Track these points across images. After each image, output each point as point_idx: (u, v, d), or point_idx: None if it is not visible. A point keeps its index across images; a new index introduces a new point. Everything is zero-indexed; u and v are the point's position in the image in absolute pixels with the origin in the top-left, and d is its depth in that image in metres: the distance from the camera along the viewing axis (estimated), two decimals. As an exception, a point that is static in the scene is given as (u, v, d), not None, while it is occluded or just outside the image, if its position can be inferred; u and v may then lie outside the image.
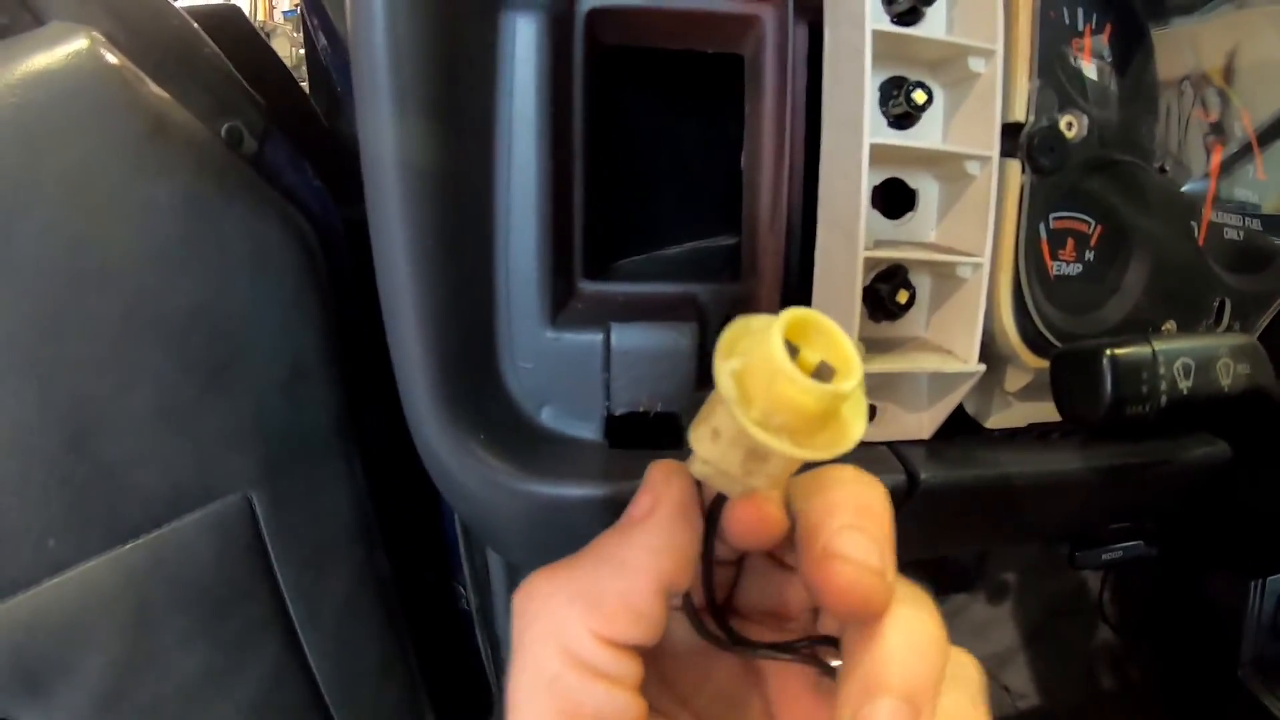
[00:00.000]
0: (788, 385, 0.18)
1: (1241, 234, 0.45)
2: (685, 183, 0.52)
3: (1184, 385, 0.34)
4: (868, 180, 0.34)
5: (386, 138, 0.32)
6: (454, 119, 0.34)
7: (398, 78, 0.32)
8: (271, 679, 0.51)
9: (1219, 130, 0.47)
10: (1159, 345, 0.34)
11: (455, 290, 0.36)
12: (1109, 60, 0.41)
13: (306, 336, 0.49)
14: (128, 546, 0.45)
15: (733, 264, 0.45)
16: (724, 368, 0.19)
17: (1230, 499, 0.48)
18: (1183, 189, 0.43)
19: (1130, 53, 0.42)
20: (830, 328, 0.20)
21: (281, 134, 0.48)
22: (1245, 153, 0.46)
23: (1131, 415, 0.33)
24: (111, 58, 0.42)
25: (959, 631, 0.95)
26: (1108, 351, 0.32)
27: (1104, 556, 0.56)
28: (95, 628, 0.44)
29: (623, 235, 0.49)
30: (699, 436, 0.21)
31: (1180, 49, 0.45)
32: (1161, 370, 0.33)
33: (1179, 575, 0.80)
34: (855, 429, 0.20)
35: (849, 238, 0.35)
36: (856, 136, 0.34)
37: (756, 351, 0.19)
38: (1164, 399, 0.33)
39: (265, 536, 0.49)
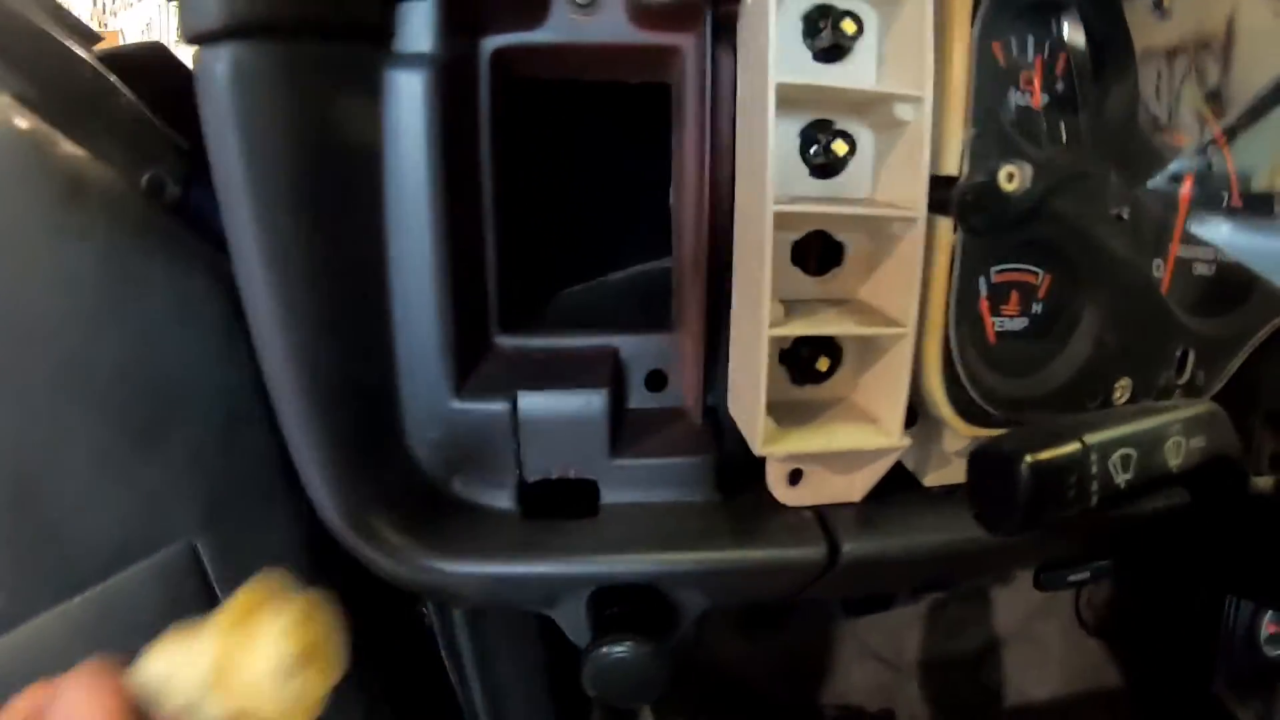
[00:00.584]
0: None
1: (1213, 268, 0.41)
2: (632, 203, 0.49)
3: (1121, 480, 0.31)
4: (773, 248, 0.32)
5: (249, 238, 0.31)
6: (329, 197, 0.33)
7: (255, 176, 0.30)
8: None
9: (1215, 99, 0.43)
10: (1092, 439, 0.30)
11: (345, 370, 0.35)
12: (1065, 91, 0.37)
13: (241, 383, 0.48)
14: (76, 600, 0.45)
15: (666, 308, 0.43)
16: None
17: (1194, 533, 0.45)
18: (1150, 221, 0.39)
19: (1096, 76, 0.38)
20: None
21: (207, 176, 0.47)
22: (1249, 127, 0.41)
23: (1052, 520, 0.30)
24: (22, 121, 0.41)
25: (936, 631, 0.95)
26: (1027, 457, 0.29)
27: (1070, 578, 0.53)
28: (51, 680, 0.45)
29: (564, 262, 0.47)
30: None
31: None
32: (1094, 469, 0.30)
33: (1156, 584, 0.77)
34: None
35: (756, 308, 0.33)
36: (762, 202, 0.32)
37: None
38: (1095, 499, 0.30)
39: (213, 581, 0.49)
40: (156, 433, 0.46)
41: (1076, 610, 0.89)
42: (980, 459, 0.31)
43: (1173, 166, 0.41)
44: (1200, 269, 0.41)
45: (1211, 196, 0.42)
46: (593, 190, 0.48)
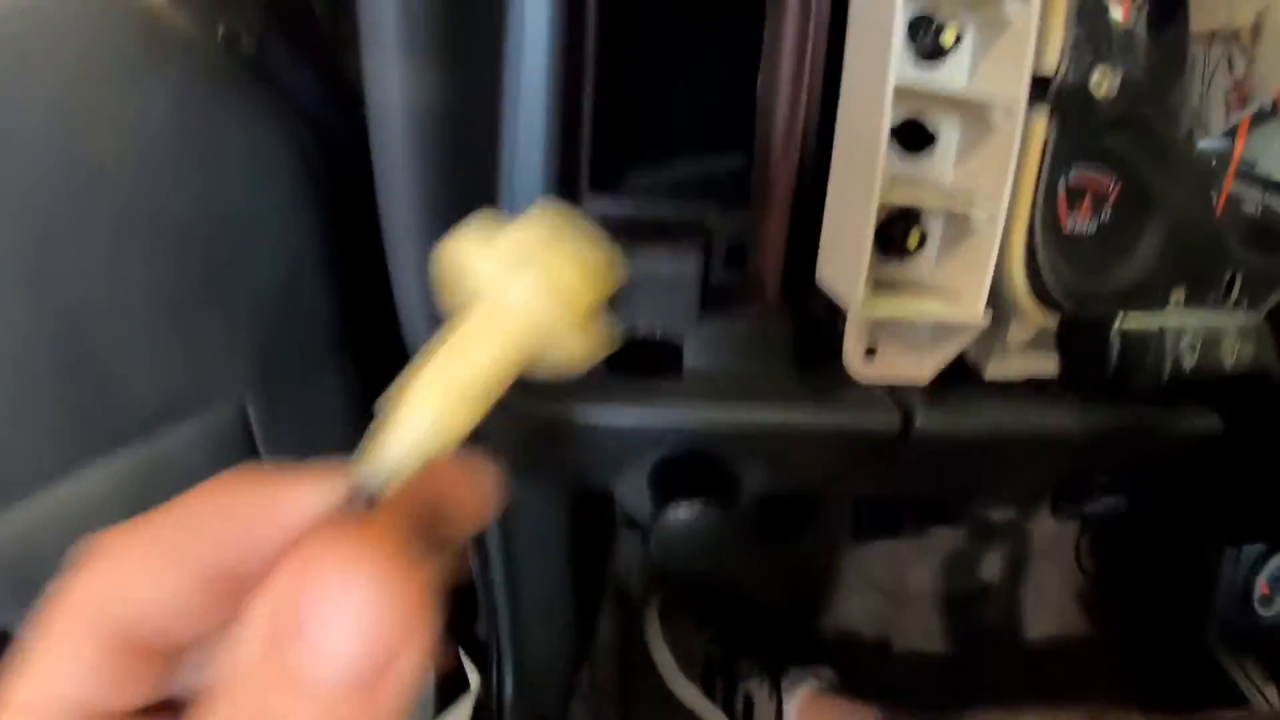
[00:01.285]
0: None
1: (1260, 209, 0.44)
2: (706, 94, 0.50)
3: (1188, 362, 0.34)
4: (889, 123, 0.33)
5: (393, 84, 0.31)
6: (462, 52, 0.33)
7: (405, 25, 0.30)
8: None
9: (1241, 91, 0.46)
10: (1168, 321, 0.33)
11: (458, 208, 0.35)
12: (1145, 11, 0.39)
13: (303, 241, 0.48)
14: (122, 453, 0.45)
15: (746, 183, 0.44)
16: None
17: (1215, 467, 0.48)
18: (1205, 156, 0.42)
19: (1166, 6, 0.40)
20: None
21: (281, 35, 0.47)
22: (1271, 120, 0.44)
23: (1134, 387, 0.33)
24: None
25: (937, 567, 0.98)
26: (1118, 324, 0.32)
27: (1086, 508, 0.56)
28: (92, 536, 0.45)
29: (638, 145, 0.48)
30: None
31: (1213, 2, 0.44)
32: (1168, 346, 0.33)
33: (1157, 533, 0.81)
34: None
35: (864, 181, 0.34)
36: (880, 77, 0.33)
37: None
38: (1167, 374, 0.33)
39: (259, 444, 0.49)
40: (216, 286, 0.46)
41: (1077, 557, 0.93)
42: (1073, 324, 0.34)
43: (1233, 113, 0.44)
44: (1249, 208, 0.44)
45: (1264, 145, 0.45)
46: (672, 75, 0.49)
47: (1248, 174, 0.44)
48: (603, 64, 0.40)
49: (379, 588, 0.14)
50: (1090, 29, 0.36)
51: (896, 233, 0.37)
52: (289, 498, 0.16)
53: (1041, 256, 0.37)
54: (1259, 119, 0.46)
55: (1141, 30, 0.39)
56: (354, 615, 0.14)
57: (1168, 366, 0.33)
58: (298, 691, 0.14)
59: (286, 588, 0.14)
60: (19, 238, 0.40)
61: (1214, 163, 0.43)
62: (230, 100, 0.45)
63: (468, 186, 0.36)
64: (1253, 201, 0.44)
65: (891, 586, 0.98)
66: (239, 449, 0.48)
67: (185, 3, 0.43)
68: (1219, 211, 0.43)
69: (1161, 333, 0.33)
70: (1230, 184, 0.43)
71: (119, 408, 0.44)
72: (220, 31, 0.45)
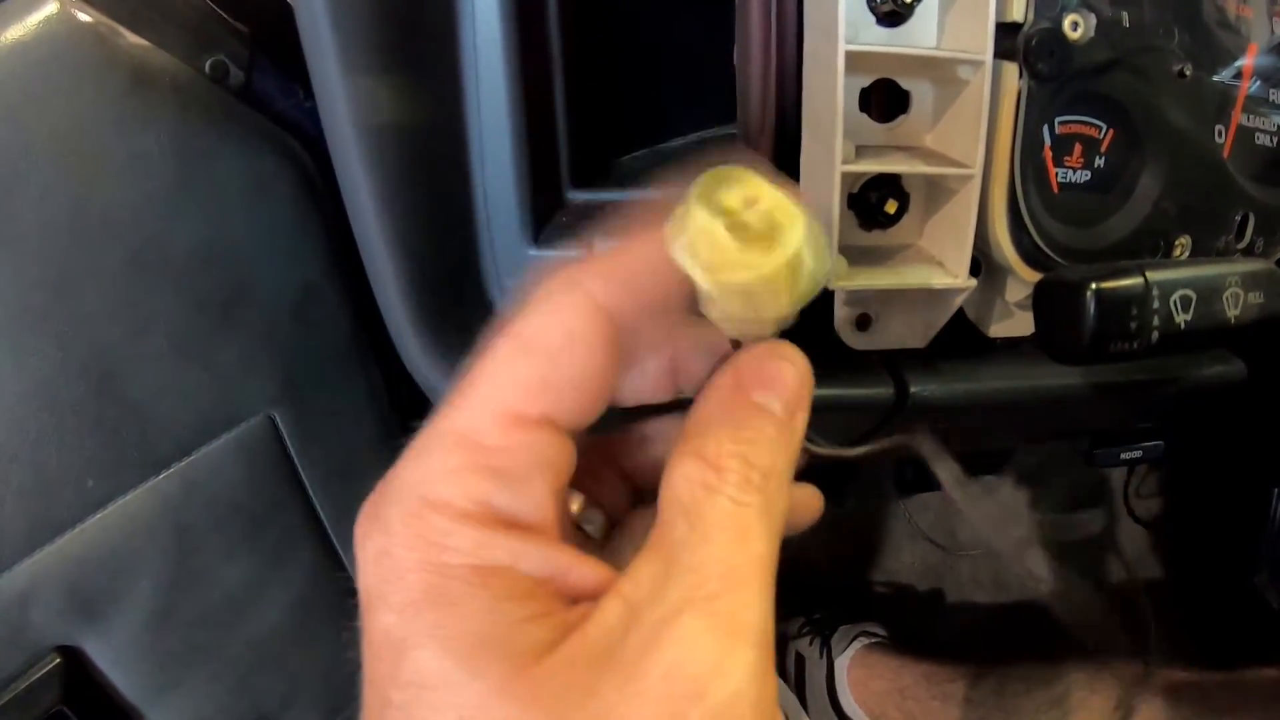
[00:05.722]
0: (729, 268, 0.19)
1: (1275, 140, 0.41)
2: (694, 70, 0.50)
3: (1180, 319, 0.32)
4: (843, 90, 0.32)
5: (340, 104, 0.32)
6: (409, 58, 0.34)
7: (343, 43, 0.31)
8: (310, 580, 0.54)
9: None
10: (1154, 276, 0.31)
11: (427, 218, 0.36)
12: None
13: (313, 259, 0.50)
14: (161, 476, 0.48)
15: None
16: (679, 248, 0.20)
17: (1249, 410, 0.46)
18: (1213, 85, 0.39)
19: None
20: (757, 182, 0.20)
21: (269, 60, 0.48)
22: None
23: (1116, 352, 0.31)
24: (84, 16, 0.42)
25: (989, 514, 0.96)
26: (1092, 285, 0.30)
27: (1122, 455, 0.55)
28: (140, 554, 0.48)
29: (628, 127, 0.48)
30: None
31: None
32: (1155, 304, 0.31)
33: (1203, 475, 0.78)
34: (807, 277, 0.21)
35: (827, 150, 0.34)
36: (832, 43, 0.32)
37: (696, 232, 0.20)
38: (1155, 335, 0.31)
39: (291, 451, 0.51)
40: (232, 312, 0.48)
41: (1125, 499, 0.91)
42: (1047, 288, 0.33)
43: (1236, 41, 0.41)
44: (1262, 139, 0.41)
45: (1275, 72, 0.42)
46: (656, 56, 0.49)
47: (1260, 104, 0.41)
48: (572, 55, 0.40)
49: (803, 368, 0.22)
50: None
51: (874, 201, 0.37)
52: None
53: (1026, 215, 0.36)
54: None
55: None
56: (790, 374, 0.22)
57: (1156, 326, 0.32)
58: (755, 410, 0.21)
59: (747, 358, 0.22)
60: (38, 281, 0.43)
61: (1221, 96, 0.40)
62: (224, 133, 0.46)
63: (435, 195, 0.36)
64: (1266, 132, 0.42)
65: (941, 538, 0.97)
66: (272, 457, 0.51)
67: (169, 43, 0.45)
68: (1227, 149, 0.41)
69: (1148, 288, 0.32)
70: (1239, 116, 0.41)
71: (153, 435, 0.47)
72: (207, 66, 0.47)
